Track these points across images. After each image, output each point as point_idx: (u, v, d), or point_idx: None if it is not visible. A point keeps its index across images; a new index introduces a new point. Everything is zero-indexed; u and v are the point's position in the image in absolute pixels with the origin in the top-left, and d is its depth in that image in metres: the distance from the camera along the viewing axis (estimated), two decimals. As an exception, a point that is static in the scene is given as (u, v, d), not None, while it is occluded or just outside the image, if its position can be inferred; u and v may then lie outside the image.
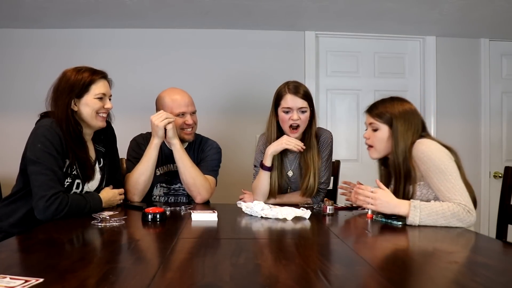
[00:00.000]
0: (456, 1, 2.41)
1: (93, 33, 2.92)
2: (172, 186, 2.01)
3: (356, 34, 3.08)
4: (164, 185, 2.00)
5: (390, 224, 1.43)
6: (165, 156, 1.99)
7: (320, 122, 3.06)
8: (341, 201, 2.03)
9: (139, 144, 1.99)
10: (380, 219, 1.49)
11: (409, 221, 1.38)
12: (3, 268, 0.86)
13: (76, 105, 1.57)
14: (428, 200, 1.49)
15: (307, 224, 1.45)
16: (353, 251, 1.10)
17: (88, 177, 1.62)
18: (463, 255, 1.14)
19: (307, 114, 1.86)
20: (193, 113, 1.98)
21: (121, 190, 1.77)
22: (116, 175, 1.82)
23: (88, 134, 1.66)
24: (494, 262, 1.04)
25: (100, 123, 1.63)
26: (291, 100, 1.82)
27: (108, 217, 1.45)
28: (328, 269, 0.94)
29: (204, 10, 2.58)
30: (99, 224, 1.36)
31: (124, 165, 2.04)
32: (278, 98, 1.87)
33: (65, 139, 1.51)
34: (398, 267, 0.98)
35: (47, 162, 1.46)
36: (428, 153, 1.47)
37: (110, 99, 1.66)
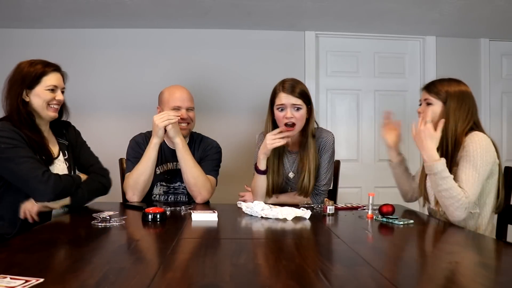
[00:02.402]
0: (456, 1, 2.41)
1: (94, 33, 2.91)
2: (172, 185, 2.01)
3: (356, 34, 3.07)
4: (164, 183, 2.00)
5: (391, 224, 1.44)
6: (165, 154, 1.99)
7: (320, 122, 3.05)
8: (341, 201, 2.04)
9: (139, 143, 1.99)
10: (381, 219, 1.49)
11: (426, 167, 1.53)
12: (3, 268, 0.86)
13: (28, 96, 1.61)
14: None
15: (307, 224, 1.45)
16: (353, 251, 1.10)
17: (49, 157, 1.62)
18: (463, 255, 1.14)
19: (302, 112, 1.83)
20: (189, 109, 1.98)
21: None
22: (93, 166, 1.80)
23: (42, 124, 1.67)
24: (494, 262, 1.04)
25: (51, 114, 1.65)
26: (284, 97, 1.81)
27: (108, 217, 1.45)
28: (328, 269, 0.94)
29: (204, 10, 2.58)
30: (99, 224, 1.36)
31: (124, 165, 2.04)
32: (273, 96, 1.87)
33: (18, 128, 1.53)
34: (398, 267, 0.98)
35: (20, 153, 1.49)
36: (474, 144, 1.52)
37: (63, 92, 1.69)
